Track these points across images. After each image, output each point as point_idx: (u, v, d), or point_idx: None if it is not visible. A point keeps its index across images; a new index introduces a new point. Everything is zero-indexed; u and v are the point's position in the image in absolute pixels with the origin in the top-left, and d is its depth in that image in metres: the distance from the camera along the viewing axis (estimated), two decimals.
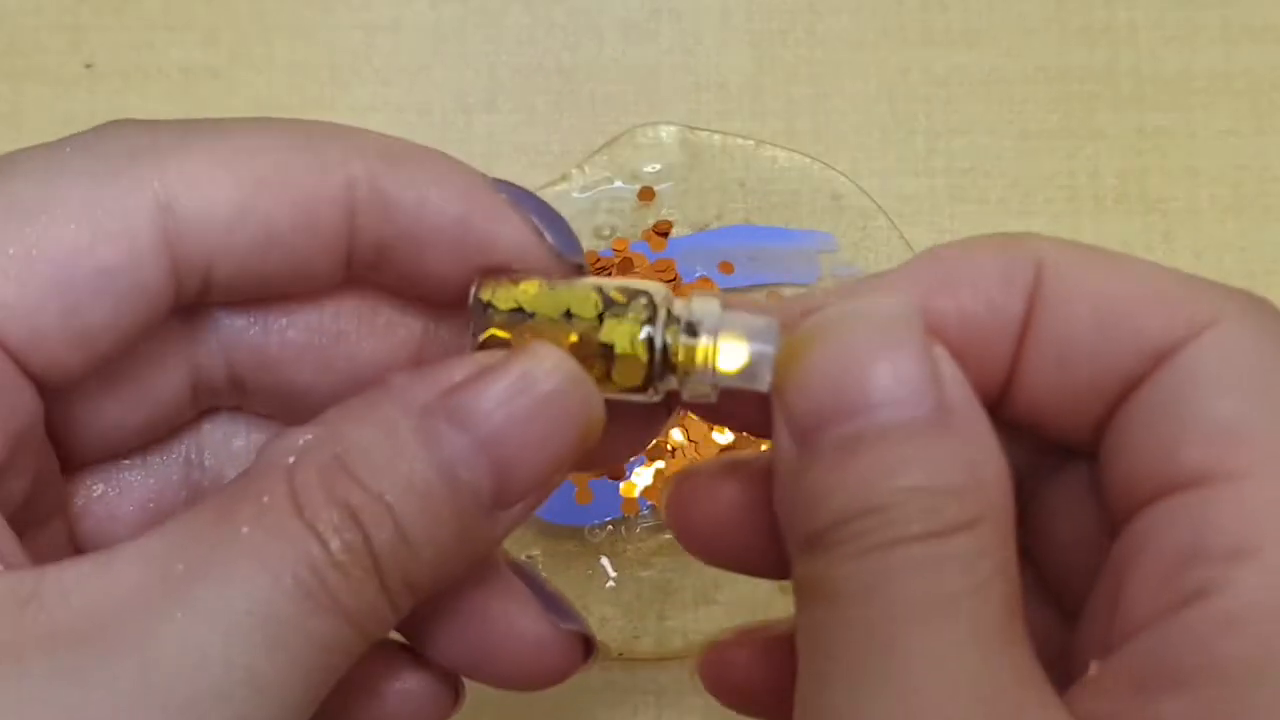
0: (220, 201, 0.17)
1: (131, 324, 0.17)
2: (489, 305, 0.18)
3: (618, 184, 0.35)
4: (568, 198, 0.35)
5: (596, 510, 0.33)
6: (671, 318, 0.18)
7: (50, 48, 0.37)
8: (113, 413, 0.19)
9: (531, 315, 0.18)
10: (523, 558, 0.20)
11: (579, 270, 0.19)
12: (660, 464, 0.33)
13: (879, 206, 0.35)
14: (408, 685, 0.20)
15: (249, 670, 0.15)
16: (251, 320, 0.19)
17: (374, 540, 0.16)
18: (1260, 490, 0.15)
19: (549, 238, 0.18)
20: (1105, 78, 0.37)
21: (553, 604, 0.20)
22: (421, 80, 0.37)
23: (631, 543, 0.33)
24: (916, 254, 0.19)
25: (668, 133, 0.36)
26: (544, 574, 0.33)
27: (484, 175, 0.19)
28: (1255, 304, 0.18)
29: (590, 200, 0.35)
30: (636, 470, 0.33)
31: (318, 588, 0.15)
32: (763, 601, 0.33)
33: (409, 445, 0.16)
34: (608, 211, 0.35)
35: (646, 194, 0.35)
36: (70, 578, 0.15)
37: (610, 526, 0.33)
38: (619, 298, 0.18)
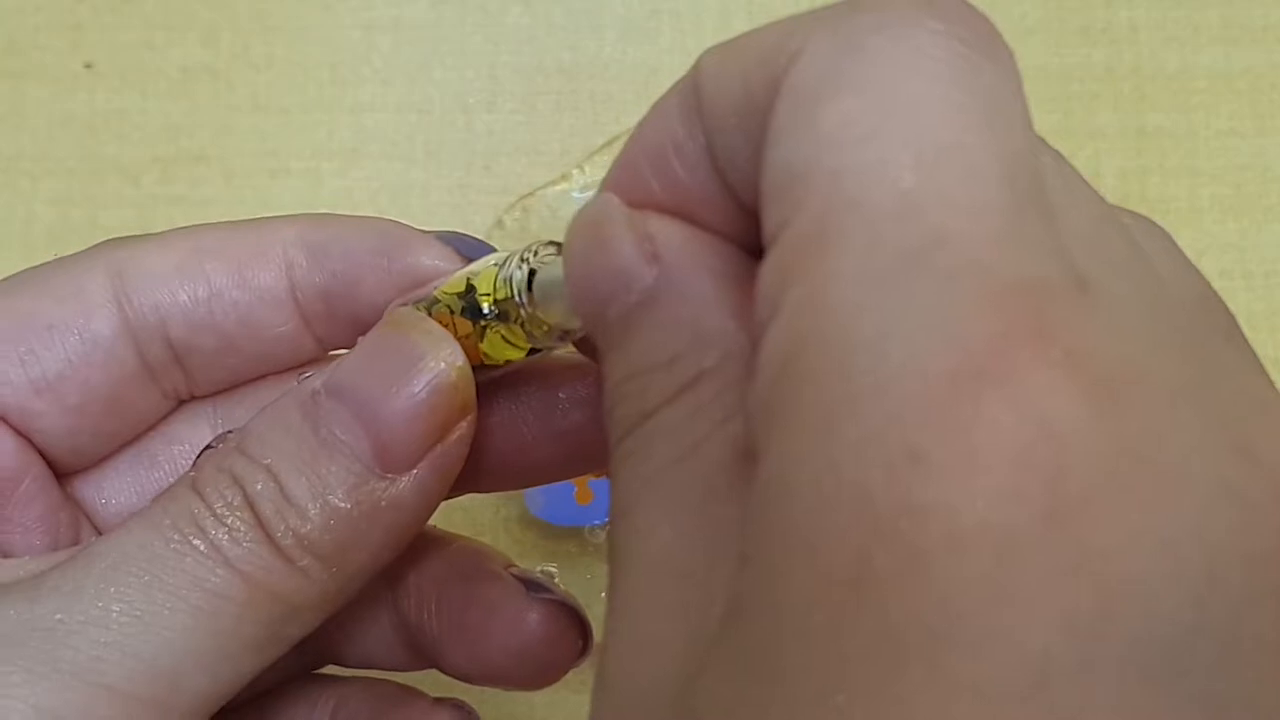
0: (162, 264, 0.19)
1: (92, 374, 0.20)
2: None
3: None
4: (568, 198, 0.35)
5: (597, 511, 0.33)
6: (521, 261, 0.18)
7: (50, 48, 0.37)
8: (96, 442, 0.21)
9: (435, 302, 0.19)
10: (537, 570, 0.20)
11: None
12: None
13: None
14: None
15: (127, 603, 0.16)
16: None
17: (251, 496, 0.17)
18: (788, 246, 0.13)
19: (467, 254, 0.19)
20: (1105, 78, 0.37)
21: (534, 586, 0.21)
22: (421, 80, 0.37)
23: None
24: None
25: None
26: (539, 565, 0.33)
27: (412, 228, 0.20)
28: (839, 16, 0.15)
29: (590, 201, 0.35)
30: None
31: (197, 534, 0.17)
32: None
33: (294, 421, 0.17)
34: None
35: None
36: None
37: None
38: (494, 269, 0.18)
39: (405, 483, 0.18)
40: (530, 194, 0.35)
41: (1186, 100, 0.37)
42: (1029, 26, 0.37)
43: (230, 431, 0.19)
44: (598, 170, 0.35)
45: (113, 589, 0.16)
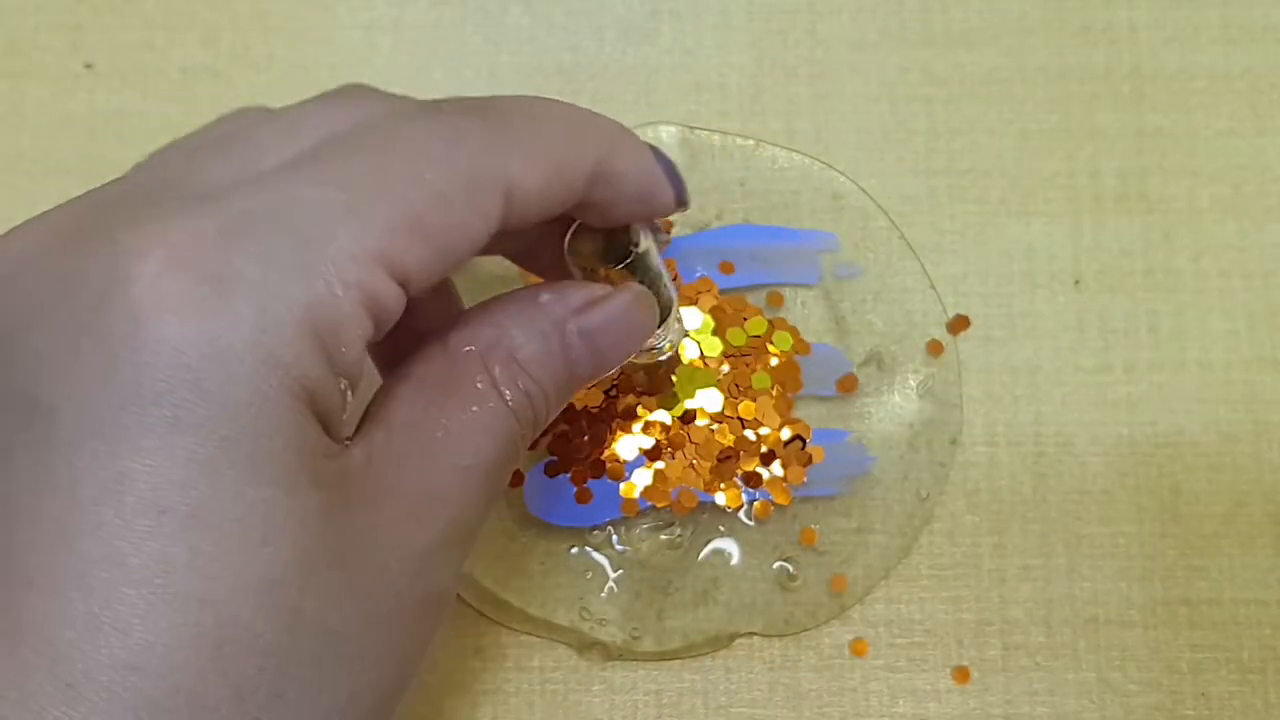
0: (535, 185, 0.23)
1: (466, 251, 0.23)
2: (580, 255, 0.27)
3: None
4: None
5: (596, 511, 0.33)
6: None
7: (50, 48, 0.37)
8: None
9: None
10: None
11: (685, 204, 0.27)
12: (661, 464, 0.33)
13: (879, 206, 0.35)
14: None
15: (472, 502, 0.23)
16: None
17: (538, 416, 0.24)
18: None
19: (678, 195, 0.26)
20: (1105, 78, 0.37)
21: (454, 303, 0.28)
22: (421, 80, 0.37)
23: (631, 543, 0.33)
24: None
25: (668, 132, 0.36)
26: (539, 565, 0.33)
27: (651, 148, 0.26)
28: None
29: None
30: (637, 471, 0.33)
31: (514, 449, 0.24)
32: (762, 601, 0.33)
33: (556, 352, 0.24)
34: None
35: None
36: (378, 450, 0.22)
37: (610, 527, 0.33)
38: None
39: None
40: None
41: (1186, 100, 0.37)
42: (1029, 26, 0.37)
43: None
44: None
45: (469, 493, 0.23)
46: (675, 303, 0.28)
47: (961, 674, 0.32)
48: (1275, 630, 0.33)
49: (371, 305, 0.20)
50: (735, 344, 0.34)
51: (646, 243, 0.26)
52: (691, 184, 0.35)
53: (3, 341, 0.19)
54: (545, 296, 0.25)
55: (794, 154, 0.36)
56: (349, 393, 0.21)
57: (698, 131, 0.36)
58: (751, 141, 0.36)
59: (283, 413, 0.19)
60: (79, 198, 0.22)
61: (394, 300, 0.21)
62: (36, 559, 0.18)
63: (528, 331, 0.24)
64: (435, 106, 0.22)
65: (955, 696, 0.32)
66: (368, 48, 0.37)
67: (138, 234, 0.19)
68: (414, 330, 0.24)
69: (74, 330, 0.19)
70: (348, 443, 0.22)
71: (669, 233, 0.35)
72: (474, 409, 0.23)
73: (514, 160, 0.22)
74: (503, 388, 0.24)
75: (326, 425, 0.20)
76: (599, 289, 0.25)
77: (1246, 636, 0.33)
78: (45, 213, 0.22)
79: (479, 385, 0.23)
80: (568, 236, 0.26)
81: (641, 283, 0.26)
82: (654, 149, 0.26)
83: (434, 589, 0.22)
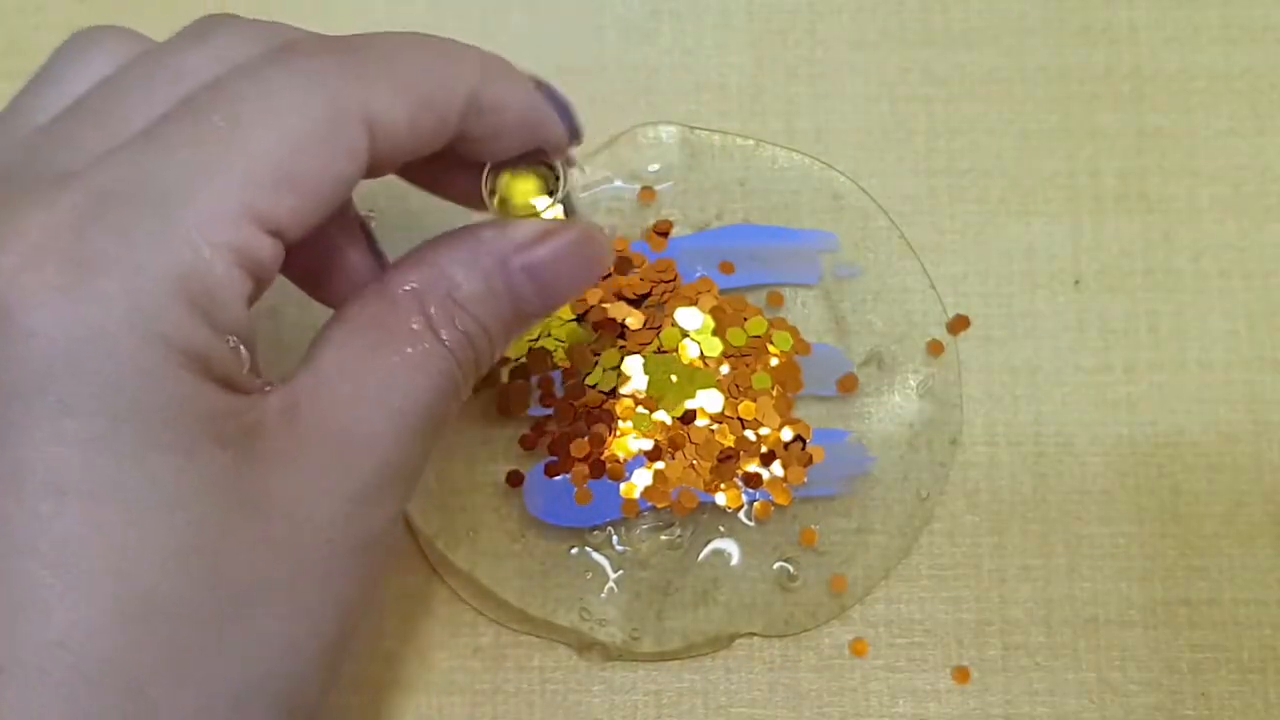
0: (402, 119, 0.22)
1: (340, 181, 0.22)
2: (498, 196, 0.25)
3: (618, 183, 0.35)
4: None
5: (596, 512, 0.33)
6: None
7: (50, 48, 0.37)
8: None
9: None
10: (365, 212, 0.27)
11: (578, 137, 0.26)
12: (661, 464, 0.33)
13: (880, 206, 0.35)
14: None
15: (408, 444, 0.23)
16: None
17: (480, 357, 0.24)
18: None
19: (565, 125, 0.26)
20: (1105, 78, 0.37)
21: (376, 250, 0.27)
22: None
23: (631, 544, 0.33)
24: None
25: (668, 132, 0.36)
26: (539, 565, 0.33)
27: (531, 78, 0.25)
28: None
29: (591, 200, 0.35)
30: (637, 471, 0.33)
31: (454, 390, 0.24)
32: (762, 602, 0.33)
33: (500, 290, 0.24)
34: (608, 211, 0.35)
35: (647, 194, 0.35)
36: (304, 394, 0.22)
37: (610, 528, 0.33)
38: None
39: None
40: None
41: (1186, 100, 0.37)
42: (1029, 26, 0.37)
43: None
44: (598, 170, 0.35)
45: (403, 437, 0.23)
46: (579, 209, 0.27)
47: (961, 674, 0.32)
48: (1275, 630, 0.33)
49: (245, 261, 0.20)
50: (735, 344, 0.34)
51: (569, 182, 0.25)
52: (691, 184, 0.35)
53: None
54: (488, 233, 0.24)
55: (794, 154, 0.36)
56: (241, 348, 0.21)
57: (698, 131, 0.36)
58: (751, 141, 0.36)
59: (169, 382, 0.19)
60: None
61: (269, 253, 0.21)
62: None
63: (468, 269, 0.24)
64: (291, 48, 0.22)
65: (955, 696, 0.32)
66: None
67: None
68: (332, 265, 0.25)
69: None
70: (268, 388, 0.22)
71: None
72: (408, 350, 0.23)
73: (376, 96, 0.22)
74: (439, 328, 0.23)
75: (228, 383, 0.21)
76: (545, 224, 0.25)
77: (1246, 636, 0.33)
78: None
79: (414, 326, 0.23)
80: (483, 176, 0.25)
81: (567, 209, 0.26)
82: (538, 80, 0.25)
83: (370, 533, 0.22)
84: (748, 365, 0.34)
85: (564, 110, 0.25)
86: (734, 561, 0.33)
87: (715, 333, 0.34)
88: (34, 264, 0.19)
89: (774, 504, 0.33)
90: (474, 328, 0.24)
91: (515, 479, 0.33)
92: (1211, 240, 0.35)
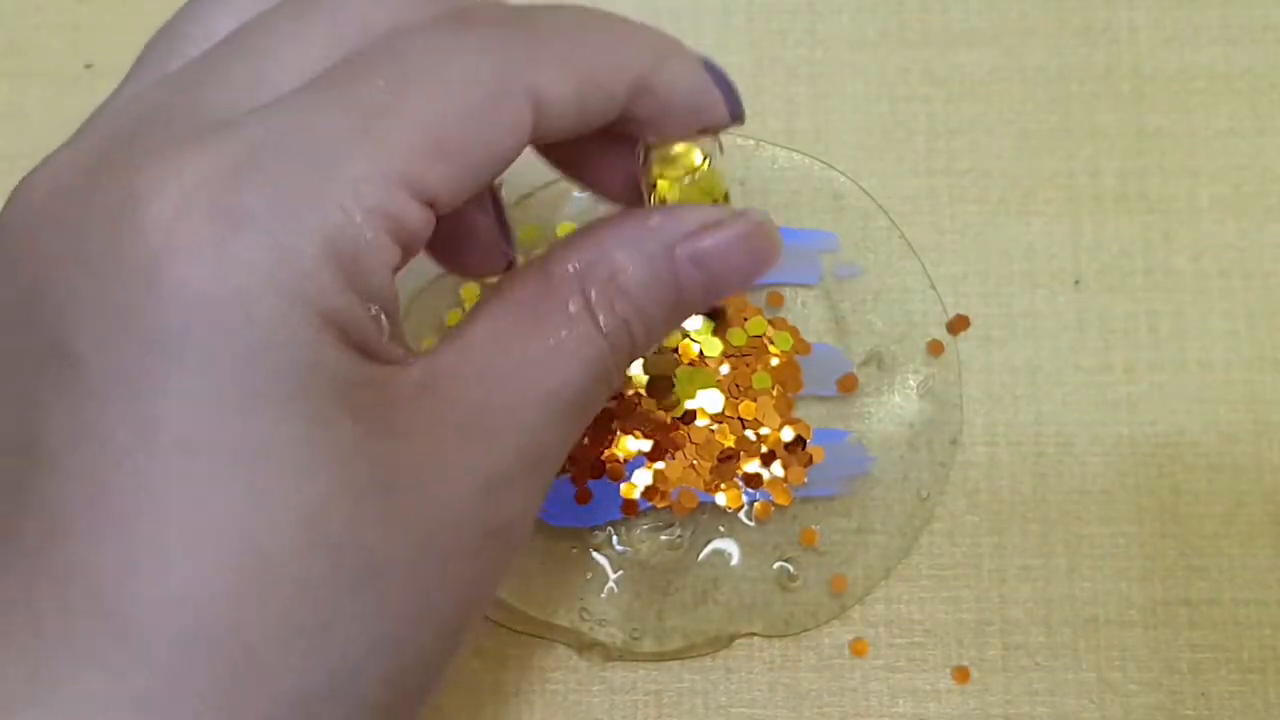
0: (570, 97, 0.22)
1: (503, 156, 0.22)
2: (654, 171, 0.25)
3: None
4: (569, 197, 0.35)
5: (596, 512, 0.33)
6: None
7: (50, 48, 0.37)
8: None
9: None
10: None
11: (741, 120, 0.25)
12: (661, 464, 0.33)
13: (880, 206, 0.35)
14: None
15: (551, 431, 0.22)
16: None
17: (636, 345, 0.23)
18: None
19: (732, 109, 0.25)
20: (1105, 78, 0.37)
21: (504, 220, 0.27)
22: None
23: (631, 544, 0.33)
24: None
25: None
26: (538, 565, 0.33)
27: (704, 59, 0.24)
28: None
29: (591, 199, 0.35)
30: (637, 471, 0.33)
31: (605, 378, 0.23)
32: (762, 602, 0.33)
33: (665, 278, 0.23)
34: (609, 211, 0.35)
35: None
36: (445, 370, 0.21)
37: (610, 528, 0.33)
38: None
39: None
40: (530, 194, 0.35)
41: (1186, 100, 0.37)
42: (1029, 26, 0.37)
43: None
44: None
45: (551, 425, 0.22)
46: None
47: (961, 674, 0.32)
48: (1275, 630, 0.33)
49: (394, 229, 0.20)
50: (735, 344, 0.34)
51: (710, 155, 0.25)
52: None
53: (32, 293, 0.20)
54: (655, 219, 0.23)
55: (794, 154, 0.36)
56: (382, 317, 0.20)
57: None
58: (751, 141, 0.36)
59: (308, 346, 0.19)
60: (95, 125, 0.22)
61: (420, 222, 0.20)
62: (76, 509, 0.18)
63: (633, 253, 0.23)
64: (462, 17, 0.21)
65: (955, 696, 0.32)
66: None
67: (150, 175, 0.19)
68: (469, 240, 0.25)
69: (96, 279, 0.19)
70: (411, 361, 0.21)
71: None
72: (563, 333, 0.22)
73: (543, 71, 0.21)
74: (598, 311, 0.22)
75: (367, 352, 0.20)
76: (716, 212, 0.24)
77: (1246, 636, 0.33)
78: (65, 148, 0.22)
79: (572, 309, 0.22)
80: (639, 156, 0.25)
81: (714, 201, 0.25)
82: (707, 61, 0.25)
83: (501, 519, 0.21)
84: (748, 365, 0.34)
85: (729, 92, 0.25)
86: (734, 561, 0.33)
87: (715, 332, 0.34)
88: (187, 214, 0.19)
89: (774, 504, 0.33)
90: (633, 315, 0.23)
91: None
92: (1211, 240, 0.36)
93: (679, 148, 0.25)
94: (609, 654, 0.32)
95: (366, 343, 0.20)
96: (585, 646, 0.32)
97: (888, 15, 0.37)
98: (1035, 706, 0.32)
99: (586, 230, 0.23)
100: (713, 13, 0.37)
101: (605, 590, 0.32)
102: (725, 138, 0.36)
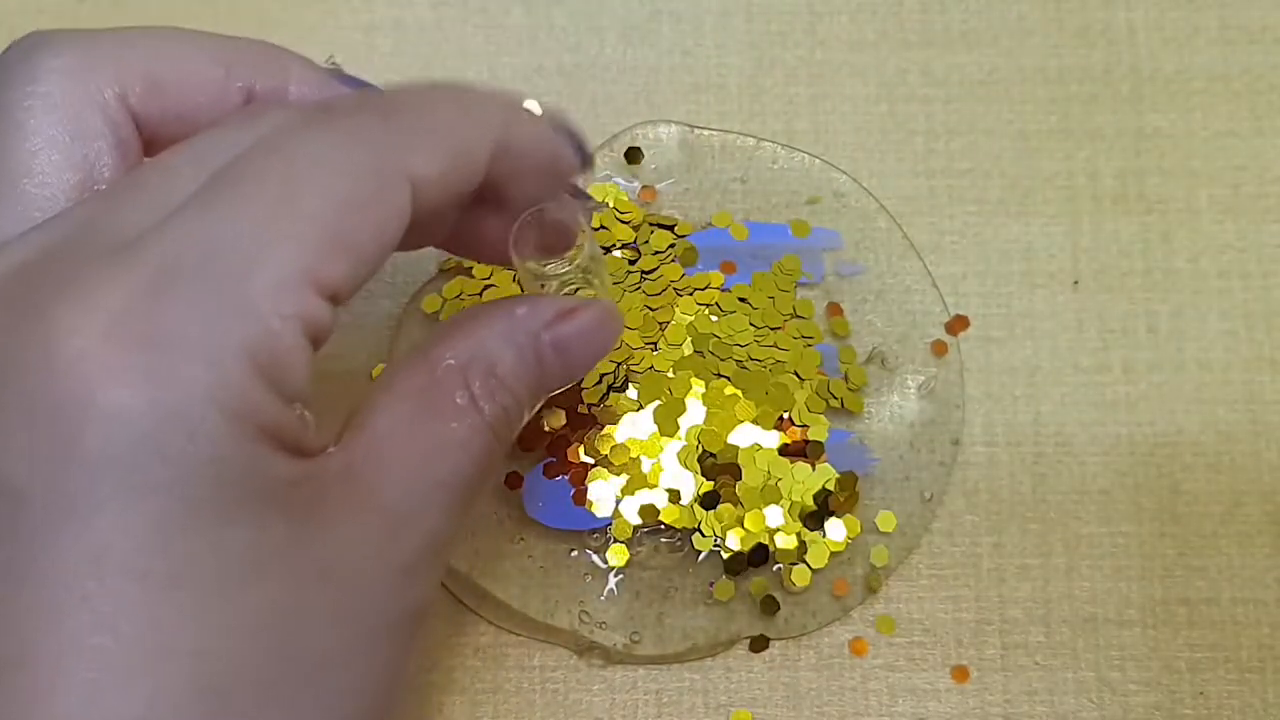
0: (435, 176, 0.22)
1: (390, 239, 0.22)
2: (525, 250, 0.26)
3: (618, 182, 0.35)
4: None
5: (595, 514, 0.33)
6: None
7: None
8: None
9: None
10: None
11: (590, 165, 0.27)
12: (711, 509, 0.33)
13: (881, 206, 0.35)
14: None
15: (451, 517, 0.23)
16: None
17: (512, 429, 0.25)
18: None
19: (580, 155, 0.26)
20: (1104, 78, 0.37)
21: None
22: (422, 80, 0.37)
23: (631, 545, 0.33)
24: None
25: (668, 132, 0.36)
26: (538, 567, 0.33)
27: (546, 114, 0.26)
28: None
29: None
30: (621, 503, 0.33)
31: (490, 463, 0.24)
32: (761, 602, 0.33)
33: (531, 366, 0.25)
34: (608, 214, 0.35)
35: (647, 193, 0.35)
36: (359, 459, 0.22)
37: (610, 530, 0.33)
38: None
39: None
40: None
41: (1184, 101, 0.37)
42: (1028, 27, 0.37)
43: None
44: (597, 171, 0.35)
45: (437, 512, 0.23)
46: (603, 261, 0.28)
47: (961, 673, 0.32)
48: (1273, 629, 0.33)
49: (309, 328, 0.20)
50: (770, 323, 0.33)
51: (585, 232, 0.26)
52: (691, 184, 0.35)
53: None
54: (521, 310, 0.25)
55: (794, 153, 0.36)
56: (306, 413, 0.21)
57: (698, 131, 0.36)
58: (751, 141, 0.36)
59: (246, 458, 0.20)
60: (3, 257, 0.22)
61: (328, 317, 0.21)
62: (29, 640, 0.19)
63: (505, 344, 0.25)
64: (328, 110, 0.22)
65: (955, 696, 0.32)
66: (368, 48, 0.37)
67: (68, 306, 0.19)
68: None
69: (28, 414, 0.19)
70: (332, 450, 0.22)
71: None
72: (453, 425, 0.23)
73: (415, 154, 0.22)
74: (481, 403, 0.24)
75: (299, 450, 0.21)
76: (569, 301, 0.26)
77: (1245, 636, 0.33)
78: None
79: (459, 400, 0.24)
80: (512, 234, 0.26)
81: (587, 268, 0.27)
82: (552, 114, 0.26)
83: (416, 604, 0.23)
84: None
85: (575, 140, 0.26)
86: None
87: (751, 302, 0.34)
88: (113, 343, 0.19)
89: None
90: (510, 401, 0.24)
91: (514, 480, 0.33)
92: (1210, 241, 0.36)
93: (550, 265, 0.27)
94: (609, 656, 0.32)
95: (298, 442, 0.21)
96: (585, 649, 0.32)
97: (887, 16, 0.37)
98: (1034, 706, 0.32)
99: (460, 321, 0.25)
100: (713, 13, 0.37)
101: (605, 592, 0.32)
102: (725, 138, 0.36)
